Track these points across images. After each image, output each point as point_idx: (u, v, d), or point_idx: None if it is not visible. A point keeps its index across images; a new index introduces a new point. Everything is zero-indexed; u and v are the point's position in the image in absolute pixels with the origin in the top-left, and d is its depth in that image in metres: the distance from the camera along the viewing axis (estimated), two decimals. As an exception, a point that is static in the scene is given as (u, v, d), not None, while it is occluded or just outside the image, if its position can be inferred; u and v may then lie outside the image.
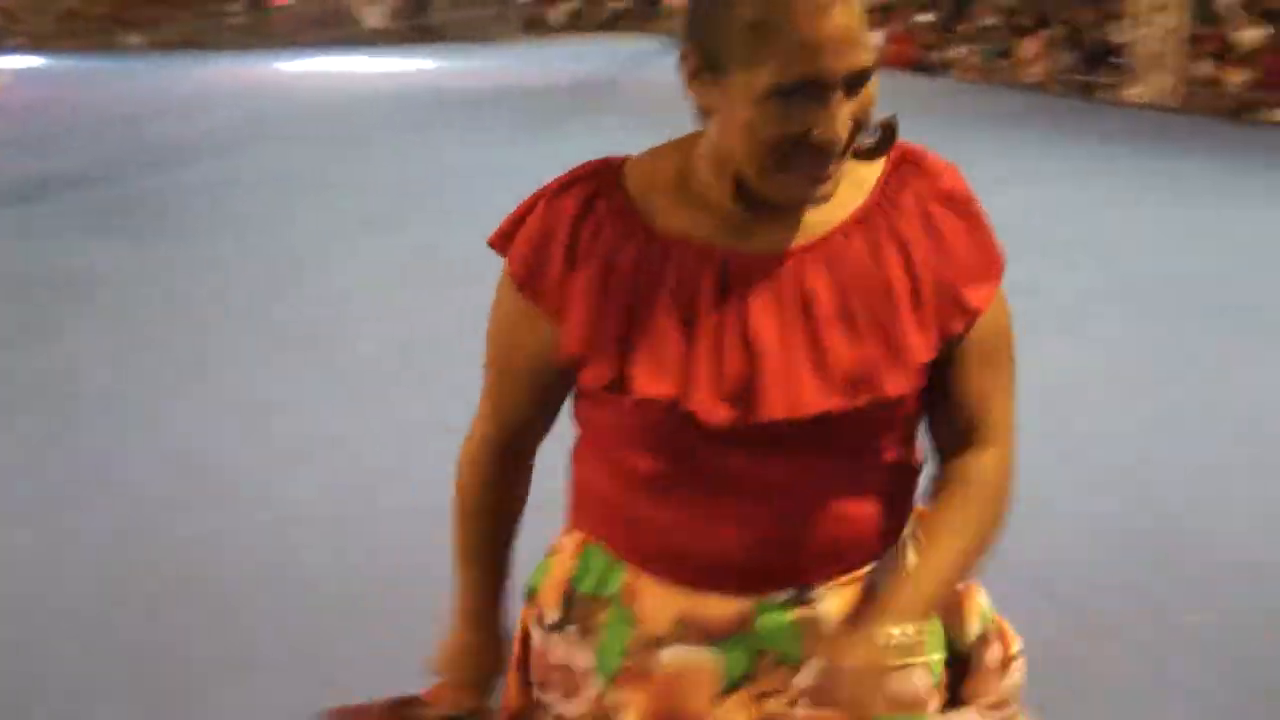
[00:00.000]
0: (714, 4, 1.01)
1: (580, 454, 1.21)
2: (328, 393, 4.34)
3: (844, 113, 0.99)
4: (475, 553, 1.27)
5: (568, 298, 1.10)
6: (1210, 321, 5.01)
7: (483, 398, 1.24)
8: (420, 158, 9.08)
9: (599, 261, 1.08)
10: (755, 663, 1.14)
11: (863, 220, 1.08)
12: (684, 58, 1.06)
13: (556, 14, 22.81)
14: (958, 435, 1.14)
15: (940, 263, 1.08)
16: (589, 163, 1.16)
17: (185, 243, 6.63)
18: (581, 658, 1.21)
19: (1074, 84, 12.31)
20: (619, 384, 1.08)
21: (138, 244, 6.61)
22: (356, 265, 6.07)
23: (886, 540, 1.16)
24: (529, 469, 1.26)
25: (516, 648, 1.29)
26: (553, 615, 1.24)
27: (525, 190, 1.21)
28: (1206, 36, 11.18)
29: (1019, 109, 11.21)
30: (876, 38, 15.42)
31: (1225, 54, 10.94)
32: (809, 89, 0.98)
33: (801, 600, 1.13)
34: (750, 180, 1.04)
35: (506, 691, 1.31)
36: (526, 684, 1.28)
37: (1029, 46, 12.81)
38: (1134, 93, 11.41)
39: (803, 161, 1.01)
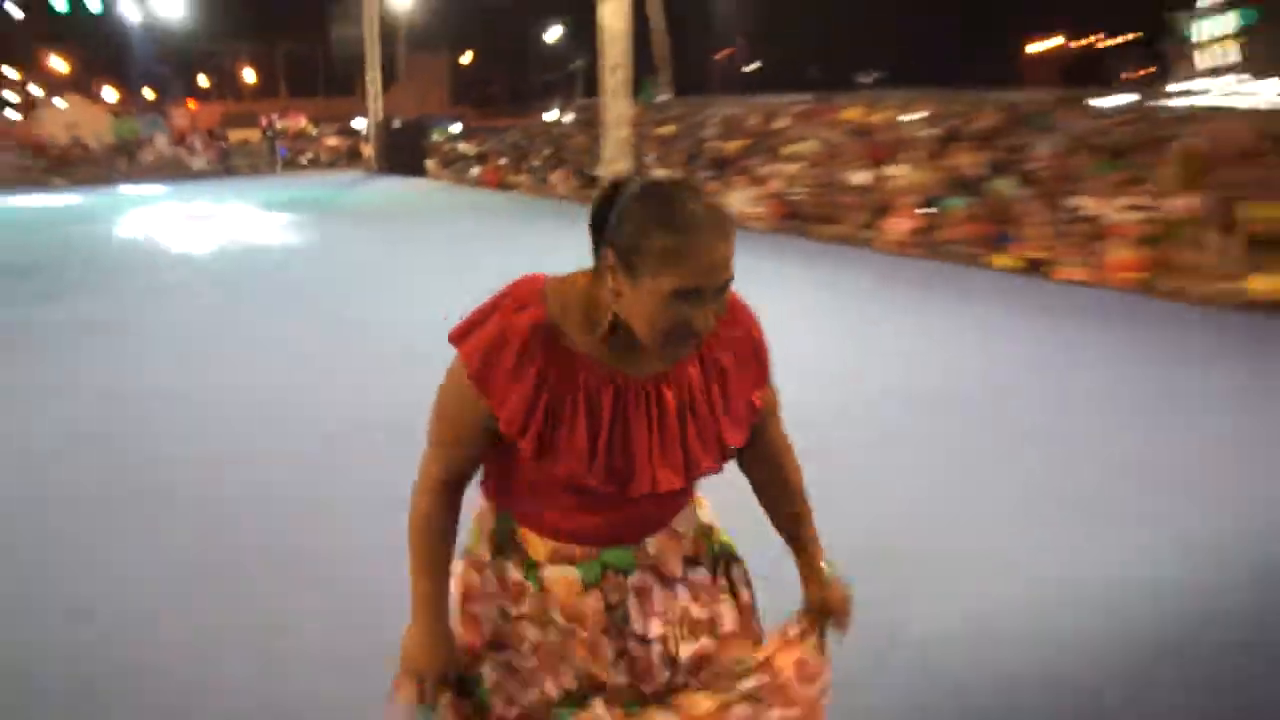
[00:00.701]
0: (634, 231, 1.38)
1: (507, 465, 1.57)
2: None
3: (714, 309, 1.41)
4: (434, 566, 1.58)
5: (509, 393, 1.44)
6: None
7: (433, 451, 1.58)
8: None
9: (534, 371, 1.43)
10: (600, 574, 1.58)
11: (697, 357, 1.52)
12: (603, 258, 1.43)
13: (304, 160, 30.99)
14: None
15: (741, 380, 1.56)
16: (525, 283, 1.51)
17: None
18: (515, 573, 1.63)
19: (583, 195, 18.99)
20: (542, 456, 1.47)
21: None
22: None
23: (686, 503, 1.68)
24: (462, 498, 1.60)
25: (459, 600, 1.69)
26: (486, 555, 1.67)
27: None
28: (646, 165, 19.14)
29: (557, 211, 17.97)
30: (475, 171, 23.56)
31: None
32: (696, 294, 1.36)
33: (637, 546, 1.61)
34: (647, 337, 1.43)
35: (461, 635, 1.67)
36: (473, 618, 1.67)
37: (557, 176, 20.54)
38: None
39: (683, 338, 1.41)
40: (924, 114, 17.85)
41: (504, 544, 1.64)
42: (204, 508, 4.37)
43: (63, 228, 16.27)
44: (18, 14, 25.69)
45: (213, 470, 4.82)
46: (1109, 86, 20.47)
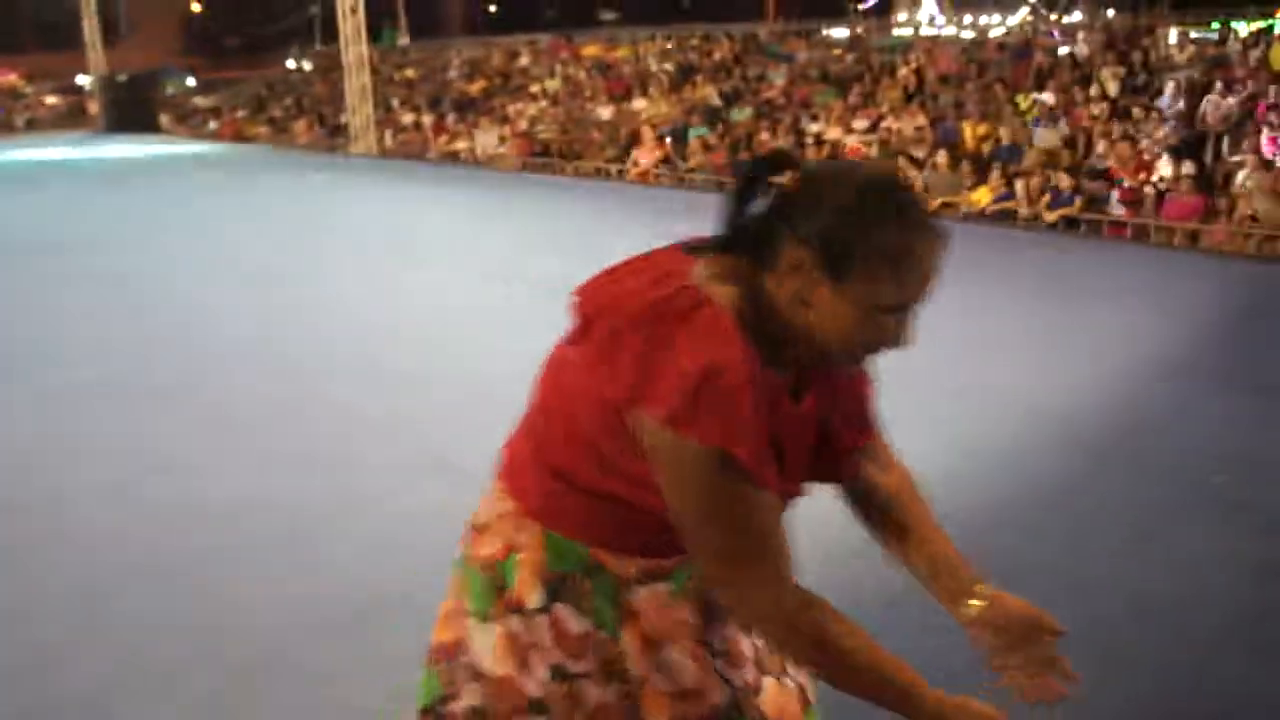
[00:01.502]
0: (851, 228, 1.12)
1: (596, 488, 1.26)
2: None
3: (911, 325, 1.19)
4: (888, 660, 1.23)
5: (757, 444, 1.14)
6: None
7: (755, 569, 1.20)
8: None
9: (762, 410, 1.13)
10: (686, 582, 1.35)
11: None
12: (791, 257, 1.14)
13: (20, 120, 28.07)
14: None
15: (847, 412, 1.34)
16: (686, 296, 1.15)
17: None
18: (576, 624, 1.33)
19: (325, 143, 18.28)
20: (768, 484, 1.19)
21: None
22: None
23: None
24: None
25: (499, 658, 1.35)
26: (535, 600, 1.33)
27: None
28: (387, 120, 18.44)
29: (300, 161, 16.96)
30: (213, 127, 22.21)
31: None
32: (904, 306, 1.16)
33: None
34: (829, 353, 1.20)
35: (499, 688, 1.35)
36: (510, 681, 1.35)
37: (299, 126, 19.55)
38: (355, 148, 17.83)
39: (874, 352, 1.22)
40: (663, 48, 17.87)
41: (568, 580, 1.34)
42: None
43: None
44: None
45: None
46: (838, 18, 20.98)
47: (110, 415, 4.66)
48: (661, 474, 1.17)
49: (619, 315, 1.17)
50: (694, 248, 1.25)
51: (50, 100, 30.30)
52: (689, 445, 1.11)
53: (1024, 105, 11.20)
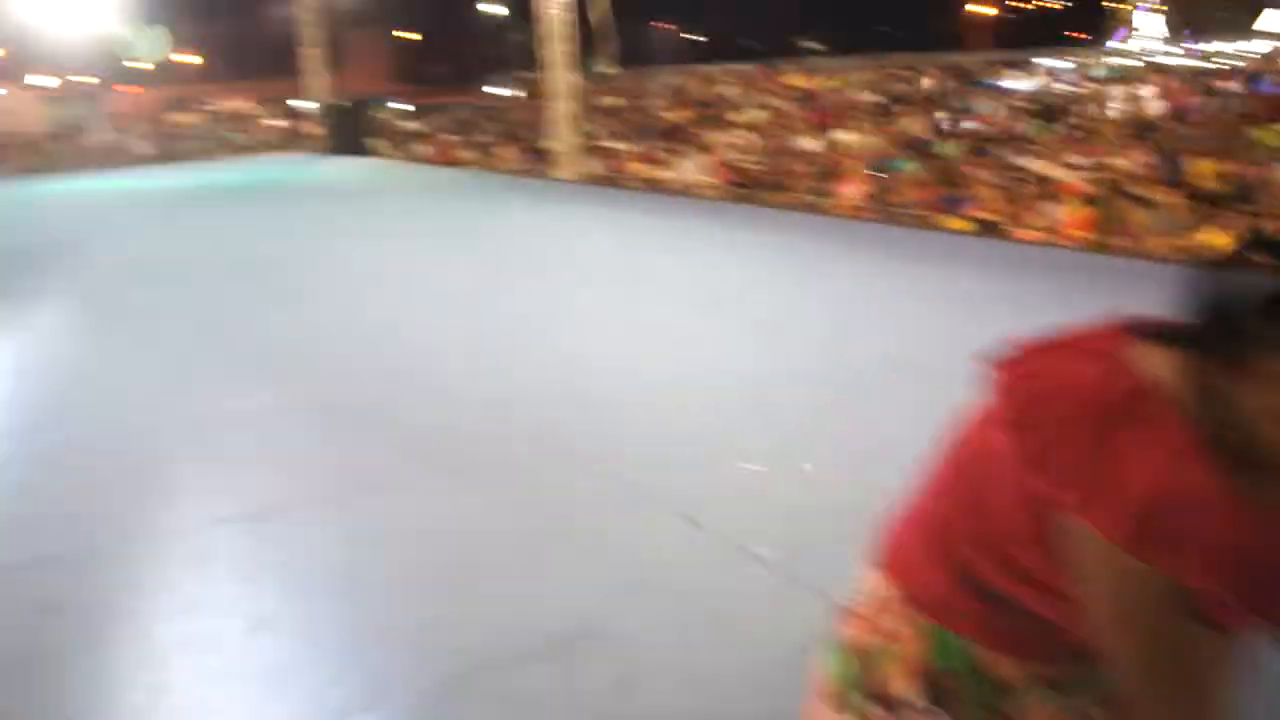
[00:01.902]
0: None
1: (996, 589, 1.15)
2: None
3: None
4: None
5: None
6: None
7: (1192, 708, 1.05)
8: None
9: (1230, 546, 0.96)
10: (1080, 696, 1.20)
11: None
12: (1251, 366, 0.95)
13: (248, 141, 30.26)
14: None
15: None
16: (1180, 426, 0.99)
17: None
18: None
19: (530, 169, 18.97)
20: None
21: None
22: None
23: None
24: None
25: None
26: (910, 695, 1.23)
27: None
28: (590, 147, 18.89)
29: (507, 185, 17.97)
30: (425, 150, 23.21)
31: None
32: None
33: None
34: None
35: None
36: None
37: (505, 151, 20.27)
38: (559, 174, 18.24)
39: None
40: (867, 78, 17.79)
41: (947, 678, 1.24)
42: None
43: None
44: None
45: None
46: (1048, 48, 20.45)
47: (314, 433, 4.98)
48: (1092, 589, 1.06)
49: (1060, 408, 1.05)
50: (1141, 330, 1.11)
51: (275, 123, 32.51)
52: (1137, 568, 1.00)
53: (1267, 138, 10.67)
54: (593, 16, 19.43)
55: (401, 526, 3.85)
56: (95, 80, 53.23)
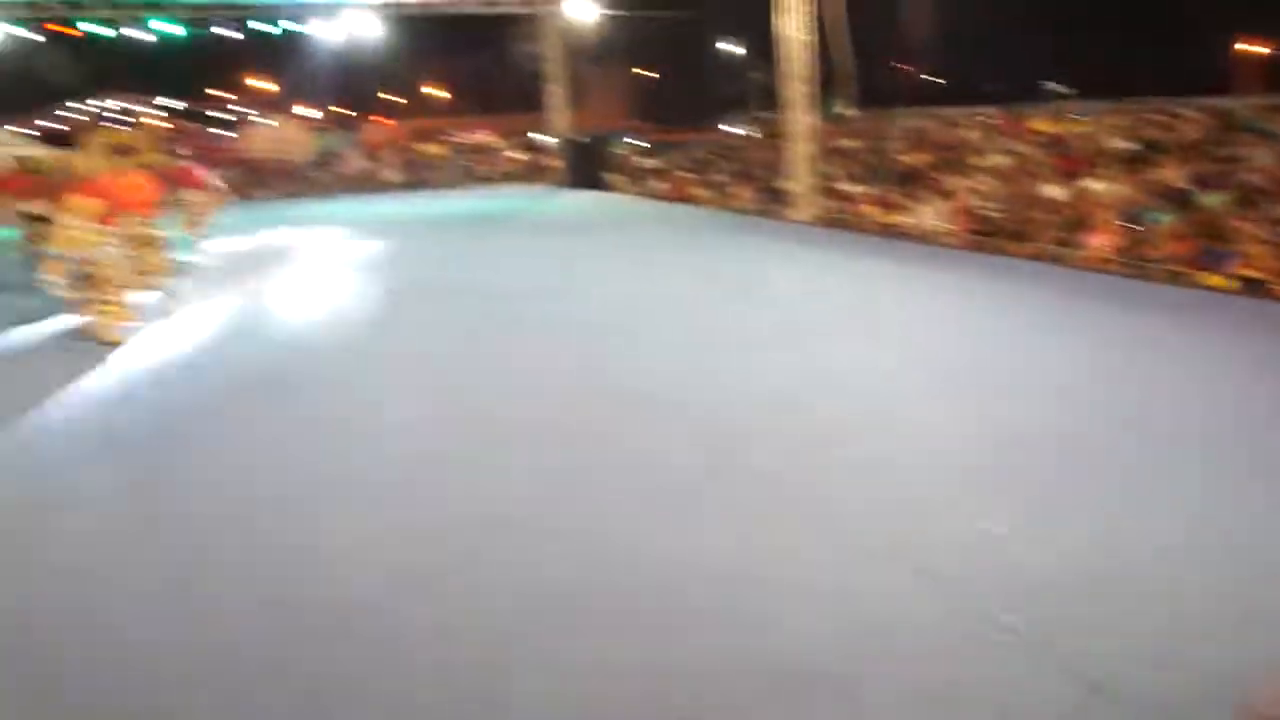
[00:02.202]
0: None
1: None
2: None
3: None
4: None
5: None
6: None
7: None
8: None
9: None
10: None
11: None
12: None
13: (489, 173, 31.96)
14: None
15: None
16: None
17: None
18: None
19: (767, 210, 19.48)
20: None
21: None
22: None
23: None
24: None
25: None
26: None
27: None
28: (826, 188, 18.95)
29: (739, 224, 18.66)
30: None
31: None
32: None
33: None
34: None
35: None
36: None
37: (740, 190, 20.55)
38: (794, 215, 18.60)
39: None
40: (1120, 123, 17.16)
41: None
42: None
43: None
44: (235, 37, 27.11)
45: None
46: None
47: (546, 459, 5.25)
48: None
49: None
50: None
51: (515, 156, 34.09)
52: None
53: None
54: (834, 57, 19.55)
55: (641, 560, 4.05)
56: (352, 112, 57.11)
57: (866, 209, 16.87)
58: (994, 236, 14.24)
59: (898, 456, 5.22)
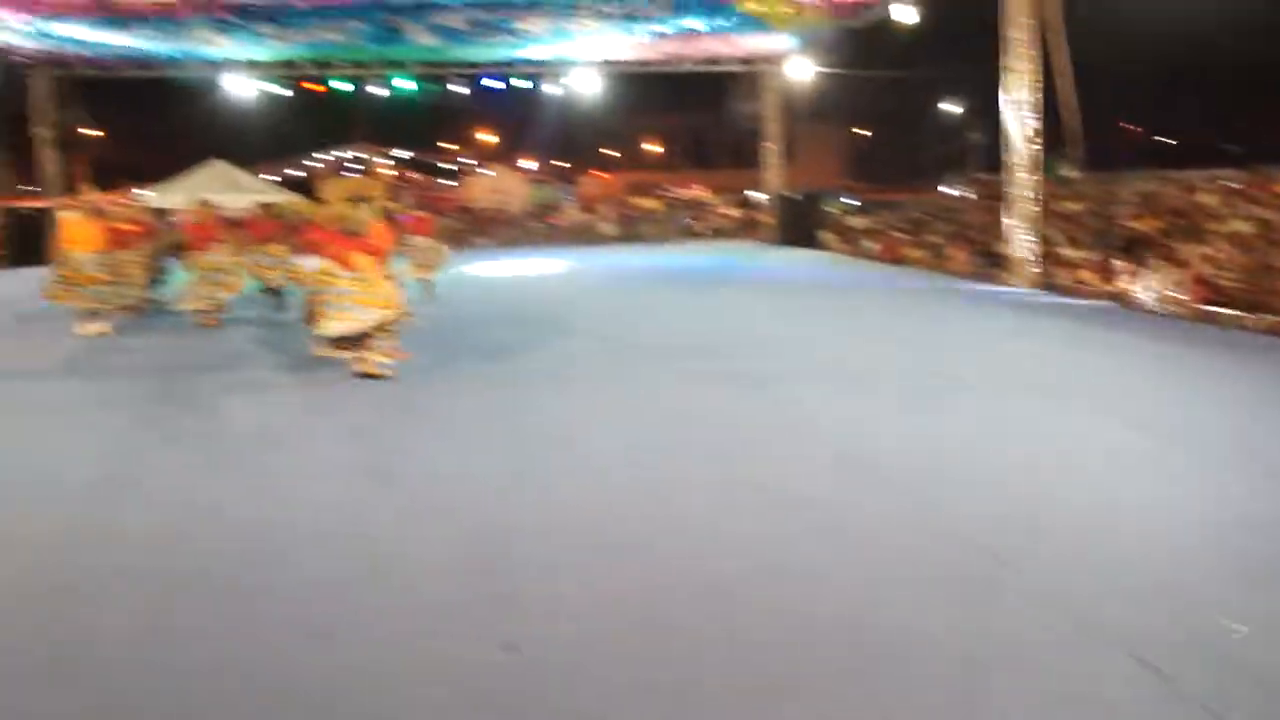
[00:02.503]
0: None
1: None
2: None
3: None
4: None
5: None
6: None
7: None
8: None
9: None
10: None
11: None
12: None
13: (702, 229, 32.57)
14: None
15: None
16: None
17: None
18: None
19: (983, 274, 18.85)
20: None
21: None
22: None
23: None
24: None
25: None
26: None
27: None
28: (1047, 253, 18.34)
29: (953, 286, 18.18)
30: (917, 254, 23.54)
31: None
32: None
33: None
34: None
35: None
36: None
37: (956, 252, 20.19)
38: (1012, 280, 17.98)
39: None
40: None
41: None
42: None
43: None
44: (462, 92, 28.64)
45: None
46: None
47: (722, 512, 5.31)
48: None
49: None
50: None
51: (728, 212, 34.61)
52: None
53: None
54: (1063, 116, 19.06)
55: (796, 612, 4.08)
56: (570, 165, 59.14)
57: (1089, 276, 16.32)
58: (1228, 307, 13.53)
59: (1129, 536, 5.03)
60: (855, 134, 47.56)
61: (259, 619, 4.22)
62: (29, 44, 23.38)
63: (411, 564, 4.80)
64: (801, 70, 26.44)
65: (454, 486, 5.98)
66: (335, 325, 8.83)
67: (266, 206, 15.70)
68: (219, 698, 3.57)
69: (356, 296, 8.82)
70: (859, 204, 29.00)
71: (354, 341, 8.95)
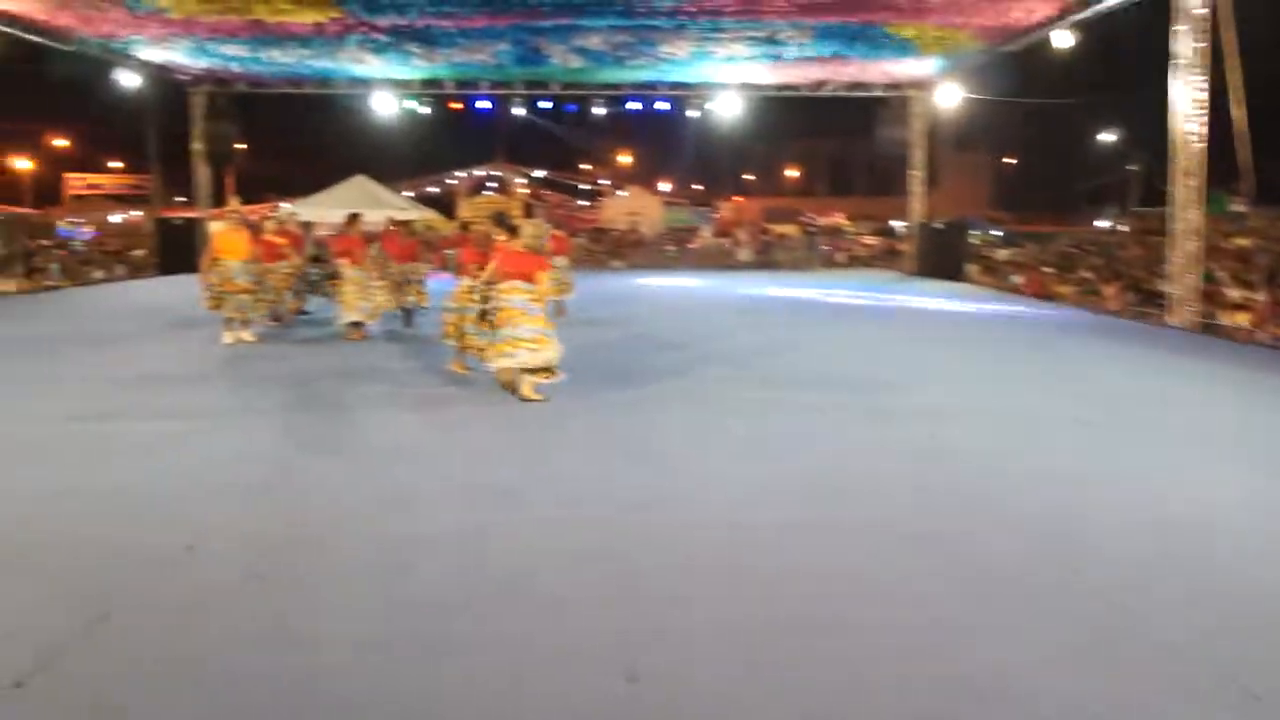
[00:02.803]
0: None
1: None
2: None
3: None
4: None
5: None
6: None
7: None
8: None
9: None
10: None
11: None
12: None
13: (841, 257, 32.19)
14: None
15: None
16: None
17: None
18: None
19: (1139, 313, 17.88)
20: None
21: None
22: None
23: None
24: None
25: None
26: None
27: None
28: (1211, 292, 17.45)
29: (1105, 325, 17.27)
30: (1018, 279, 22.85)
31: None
32: None
33: None
34: None
35: None
36: None
37: (1110, 290, 19.45)
38: (1172, 320, 16.85)
39: None
40: None
41: None
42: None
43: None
44: (601, 113, 29.00)
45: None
46: None
47: (868, 550, 5.12)
48: None
49: None
50: None
51: (867, 241, 34.21)
52: None
53: None
54: (1236, 147, 18.22)
55: (942, 662, 3.87)
56: (706, 188, 59.39)
57: (1258, 317, 15.51)
58: None
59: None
60: (1002, 162, 46.54)
61: (385, 631, 4.24)
62: (190, 62, 24.51)
63: (538, 586, 4.76)
64: (949, 95, 25.91)
65: (585, 510, 5.92)
66: (525, 356, 8.86)
67: (404, 223, 15.98)
68: (333, 713, 3.57)
69: (540, 317, 8.87)
70: (1004, 235, 28.27)
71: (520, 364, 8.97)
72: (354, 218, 14.25)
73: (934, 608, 4.54)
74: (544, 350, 8.88)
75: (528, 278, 8.88)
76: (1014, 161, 46.82)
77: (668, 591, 4.70)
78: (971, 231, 28.23)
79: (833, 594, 4.70)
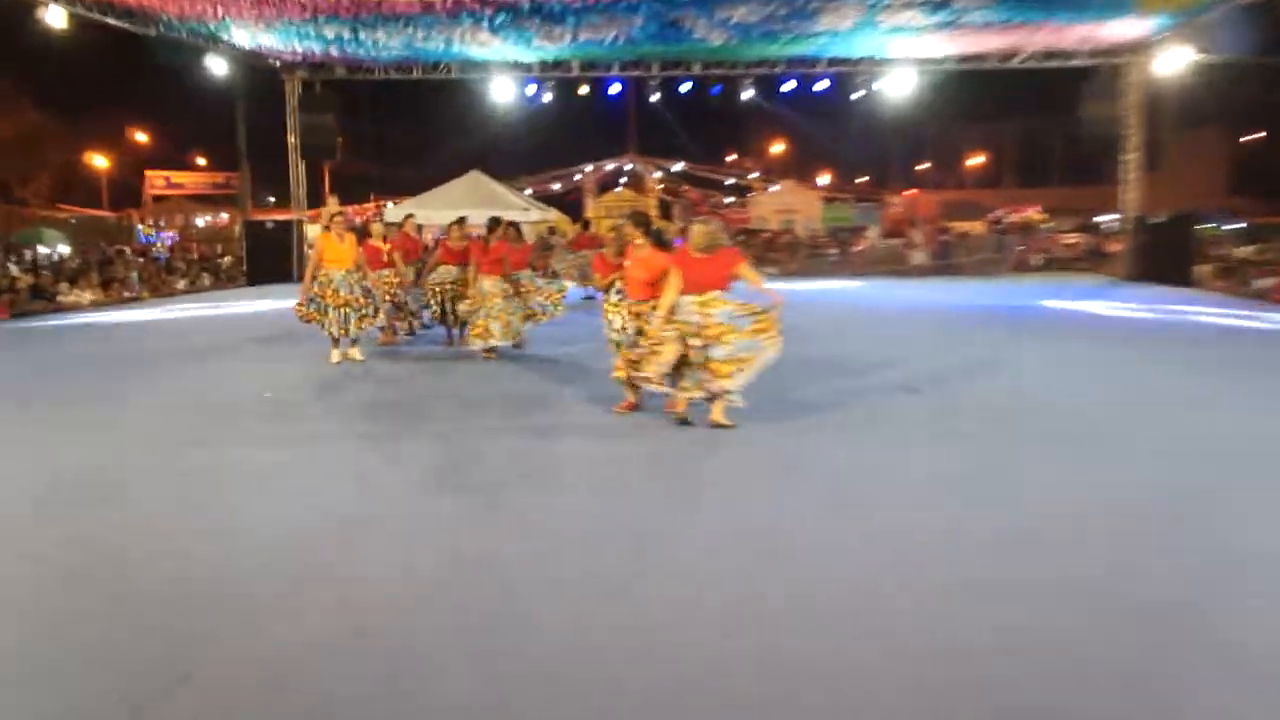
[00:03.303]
0: None
1: None
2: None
3: None
4: None
5: None
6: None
7: None
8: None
9: None
10: None
11: None
12: None
13: (1036, 259, 31.42)
14: None
15: None
16: None
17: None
18: None
19: None
20: None
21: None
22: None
23: None
24: None
25: None
26: None
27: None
28: None
29: None
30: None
31: None
32: None
33: None
34: None
35: None
36: None
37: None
38: None
39: None
40: None
41: None
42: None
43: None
44: (748, 96, 28.86)
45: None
46: None
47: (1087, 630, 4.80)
48: None
49: None
50: None
51: (1067, 239, 33.12)
52: None
53: None
54: None
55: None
56: (873, 181, 58.69)
57: None
58: None
59: None
60: (1243, 140, 44.69)
61: (498, 678, 4.22)
62: (283, 46, 25.26)
63: (673, 633, 4.66)
64: (1174, 60, 24.94)
65: (726, 560, 5.76)
66: (741, 377, 8.77)
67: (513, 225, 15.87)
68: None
69: (748, 330, 8.67)
70: (1246, 228, 27.07)
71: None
72: (461, 222, 14.41)
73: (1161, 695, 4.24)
74: (753, 365, 8.69)
75: (723, 283, 8.71)
76: (1259, 137, 44.82)
77: (824, 654, 4.51)
78: (1203, 225, 27.06)
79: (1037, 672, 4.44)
